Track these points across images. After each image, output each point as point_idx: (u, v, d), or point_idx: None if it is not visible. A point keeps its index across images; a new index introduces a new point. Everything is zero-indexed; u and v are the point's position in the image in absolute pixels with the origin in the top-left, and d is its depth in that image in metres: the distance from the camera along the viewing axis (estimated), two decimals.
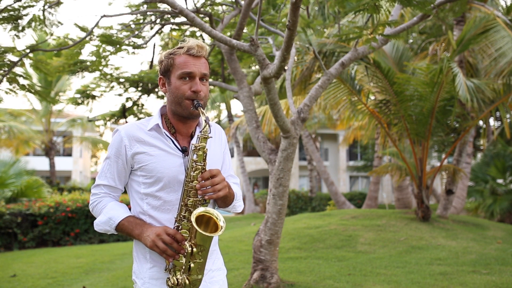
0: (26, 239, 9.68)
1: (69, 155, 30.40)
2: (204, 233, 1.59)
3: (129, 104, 9.70)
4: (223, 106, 23.64)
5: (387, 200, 25.49)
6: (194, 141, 1.77)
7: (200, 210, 1.64)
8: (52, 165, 21.13)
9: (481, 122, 13.59)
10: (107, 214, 1.74)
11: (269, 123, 12.63)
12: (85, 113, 28.70)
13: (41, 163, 25.83)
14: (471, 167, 12.65)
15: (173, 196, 1.73)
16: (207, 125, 1.68)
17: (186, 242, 1.62)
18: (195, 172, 1.65)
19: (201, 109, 1.69)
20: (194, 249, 1.61)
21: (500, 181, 13.68)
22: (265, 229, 4.83)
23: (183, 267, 1.63)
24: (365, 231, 7.69)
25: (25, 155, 23.83)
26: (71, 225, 10.15)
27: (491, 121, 15.73)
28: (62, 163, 28.45)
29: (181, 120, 1.79)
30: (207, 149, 1.68)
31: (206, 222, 1.67)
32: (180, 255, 1.64)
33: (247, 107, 5.37)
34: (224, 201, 1.80)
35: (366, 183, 30.06)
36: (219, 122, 25.24)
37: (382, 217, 8.51)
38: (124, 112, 9.66)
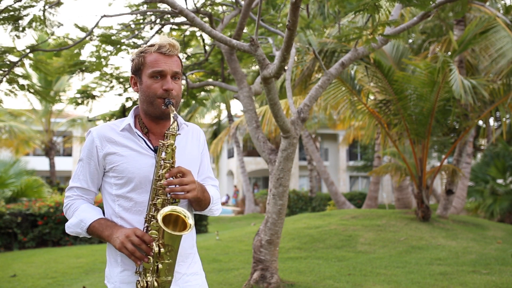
0: (26, 239, 9.68)
1: (69, 155, 30.42)
2: (171, 232, 1.54)
3: (129, 104, 9.70)
4: (223, 106, 23.63)
5: (387, 200, 25.49)
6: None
7: (166, 209, 1.58)
8: (52, 165, 21.14)
9: (481, 122, 13.59)
10: (79, 216, 1.70)
11: (269, 123, 12.64)
12: (85, 113, 28.70)
13: (41, 163, 25.83)
14: (471, 167, 12.65)
15: (145, 197, 1.69)
16: (175, 122, 1.65)
17: (153, 243, 1.58)
18: (164, 170, 1.61)
19: (171, 106, 1.66)
20: (162, 249, 1.56)
21: (500, 181, 13.68)
22: (265, 229, 4.83)
23: (151, 268, 1.59)
24: (365, 231, 7.69)
25: (25, 155, 23.82)
26: None
27: (491, 121, 15.73)
28: (62, 163, 28.46)
29: (153, 120, 1.75)
30: (175, 147, 1.64)
31: (175, 221, 1.62)
32: (150, 257, 1.59)
33: (247, 107, 5.37)
34: (199, 204, 1.75)
35: (366, 183, 30.05)
36: (219, 122, 25.23)
37: (382, 217, 8.51)
38: (124, 112, 9.65)
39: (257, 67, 12.00)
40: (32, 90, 5.42)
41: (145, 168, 1.69)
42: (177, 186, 1.60)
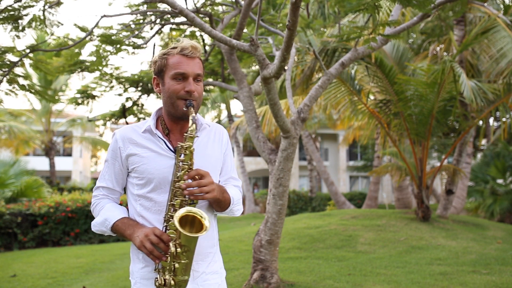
0: (26, 239, 9.68)
1: (69, 155, 30.40)
2: (187, 234, 1.58)
3: (129, 104, 9.71)
4: (223, 106, 23.63)
5: (387, 200, 25.48)
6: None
7: (182, 211, 1.62)
8: (52, 165, 21.12)
9: (481, 122, 13.58)
10: (103, 215, 1.77)
11: (269, 123, 12.62)
12: (85, 113, 28.71)
13: (41, 163, 25.82)
14: (471, 167, 12.65)
15: (164, 197, 1.74)
16: (194, 124, 1.67)
17: (170, 243, 1.62)
18: (182, 172, 1.65)
19: (192, 108, 1.69)
20: (178, 250, 1.60)
21: (500, 181, 13.67)
22: (265, 229, 4.83)
23: (168, 268, 1.63)
24: (365, 231, 7.68)
25: (25, 155, 23.82)
26: (71, 225, 10.15)
27: (491, 121, 15.72)
28: (62, 163, 28.44)
29: (174, 121, 1.79)
30: (193, 149, 1.67)
31: (191, 222, 1.65)
32: (167, 256, 1.63)
33: (247, 107, 5.37)
34: (219, 205, 1.78)
35: (366, 183, 30.05)
36: (219, 122, 25.23)
37: (382, 217, 8.51)
38: (124, 112, 9.66)
39: (257, 67, 12.00)
40: (32, 90, 5.42)
41: (165, 169, 1.73)
42: (195, 188, 1.63)
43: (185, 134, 1.68)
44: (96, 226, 1.78)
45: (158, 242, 1.63)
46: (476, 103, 7.38)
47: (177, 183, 1.66)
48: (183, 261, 1.62)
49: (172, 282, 1.63)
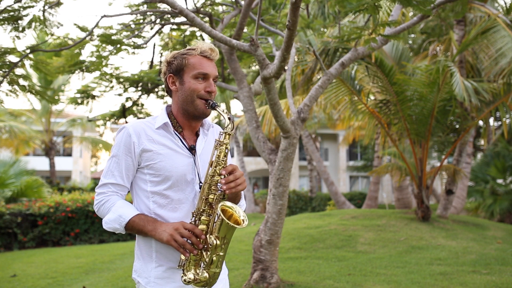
0: (26, 239, 9.68)
1: (69, 155, 30.40)
2: (232, 224, 1.61)
3: (129, 104, 9.71)
4: (223, 106, 23.65)
5: (387, 200, 25.48)
6: (217, 136, 1.81)
7: (226, 203, 1.67)
8: (52, 165, 21.12)
9: (481, 122, 13.58)
10: (117, 212, 1.72)
11: (269, 123, 12.64)
12: (85, 113, 28.71)
13: (41, 163, 25.82)
14: (471, 167, 12.64)
15: (181, 195, 1.75)
16: (231, 123, 1.71)
17: (211, 236, 1.64)
18: (217, 167, 1.68)
19: (219, 108, 1.73)
20: (218, 242, 1.63)
21: (500, 181, 13.67)
22: (265, 229, 4.83)
23: (207, 260, 1.65)
24: (365, 231, 7.69)
25: (25, 155, 23.81)
26: (71, 225, 10.14)
27: (491, 121, 15.71)
28: (62, 163, 28.44)
29: (188, 119, 1.81)
30: (229, 146, 1.71)
31: (229, 217, 1.69)
32: (205, 249, 1.65)
33: (247, 107, 5.38)
34: (234, 199, 1.81)
35: (366, 183, 30.05)
36: (219, 122, 25.25)
37: (382, 217, 8.51)
38: (124, 112, 9.67)
39: (257, 67, 11.99)
40: (33, 91, 5.42)
41: (182, 167, 1.75)
42: (232, 182, 1.66)
43: (221, 131, 1.73)
44: (109, 223, 1.73)
45: (190, 236, 1.64)
46: (470, 102, 7.37)
47: (213, 178, 1.68)
48: (220, 254, 1.65)
49: (207, 275, 1.64)
